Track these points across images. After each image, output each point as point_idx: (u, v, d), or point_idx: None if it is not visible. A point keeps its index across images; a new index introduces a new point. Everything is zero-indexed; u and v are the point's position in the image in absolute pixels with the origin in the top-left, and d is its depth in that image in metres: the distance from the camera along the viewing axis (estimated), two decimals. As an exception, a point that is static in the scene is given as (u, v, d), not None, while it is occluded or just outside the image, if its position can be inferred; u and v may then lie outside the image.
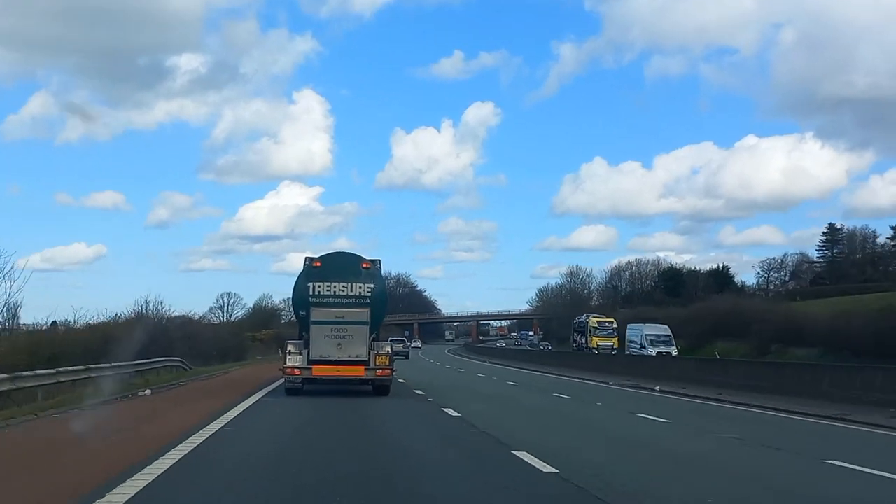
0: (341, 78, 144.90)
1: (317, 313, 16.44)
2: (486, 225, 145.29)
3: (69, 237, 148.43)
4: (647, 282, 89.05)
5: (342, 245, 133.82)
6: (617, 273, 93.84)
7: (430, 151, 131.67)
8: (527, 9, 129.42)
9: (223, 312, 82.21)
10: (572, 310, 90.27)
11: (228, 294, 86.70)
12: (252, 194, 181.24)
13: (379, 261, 17.94)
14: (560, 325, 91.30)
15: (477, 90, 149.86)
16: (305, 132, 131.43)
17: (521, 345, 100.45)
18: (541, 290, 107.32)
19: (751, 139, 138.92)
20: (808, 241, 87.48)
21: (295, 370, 16.49)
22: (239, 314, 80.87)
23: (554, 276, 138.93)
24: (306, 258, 16.43)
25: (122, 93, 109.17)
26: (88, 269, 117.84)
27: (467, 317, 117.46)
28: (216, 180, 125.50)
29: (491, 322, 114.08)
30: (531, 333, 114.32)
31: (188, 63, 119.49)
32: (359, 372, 16.40)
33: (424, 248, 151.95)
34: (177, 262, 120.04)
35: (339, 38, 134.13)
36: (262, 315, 76.89)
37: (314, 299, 16.43)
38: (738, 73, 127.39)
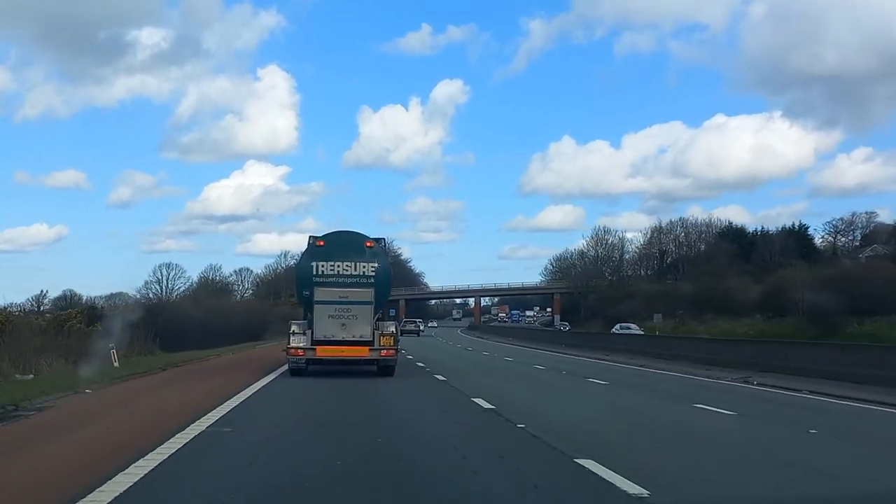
0: (307, 54, 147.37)
1: (320, 293, 16.92)
2: (453, 204, 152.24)
3: (29, 217, 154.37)
4: (700, 245, 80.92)
5: (308, 225, 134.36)
6: (657, 235, 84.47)
7: (398, 129, 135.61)
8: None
9: (161, 287, 76.35)
10: (603, 282, 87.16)
11: (168, 265, 79.89)
12: (217, 173, 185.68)
13: (384, 239, 18.54)
14: (586, 299, 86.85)
15: (445, 67, 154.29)
16: (271, 110, 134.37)
17: (518, 323, 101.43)
18: (557, 259, 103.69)
19: (719, 118, 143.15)
20: (773, 221, 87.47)
21: (299, 351, 16.96)
22: (181, 288, 75.91)
23: (522, 256, 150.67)
24: (310, 237, 17.46)
25: (81, 67, 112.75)
26: (50, 250, 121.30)
27: (467, 291, 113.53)
28: (180, 159, 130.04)
29: (480, 300, 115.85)
30: (530, 313, 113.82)
31: (149, 37, 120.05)
32: (363, 352, 16.90)
33: (392, 227, 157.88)
34: (140, 242, 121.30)
35: (304, 12, 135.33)
36: (210, 289, 70.75)
37: (318, 279, 16.97)
38: (708, 50, 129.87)
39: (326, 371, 16.80)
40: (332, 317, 16.61)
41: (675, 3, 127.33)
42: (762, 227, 76.90)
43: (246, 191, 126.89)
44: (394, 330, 16.93)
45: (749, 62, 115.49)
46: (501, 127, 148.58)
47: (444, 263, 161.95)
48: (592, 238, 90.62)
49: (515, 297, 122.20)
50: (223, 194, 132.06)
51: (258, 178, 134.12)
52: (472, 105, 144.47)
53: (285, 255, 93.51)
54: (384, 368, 16.89)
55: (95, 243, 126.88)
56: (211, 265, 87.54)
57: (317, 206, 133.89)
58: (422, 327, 70.40)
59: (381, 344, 16.66)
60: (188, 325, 30.65)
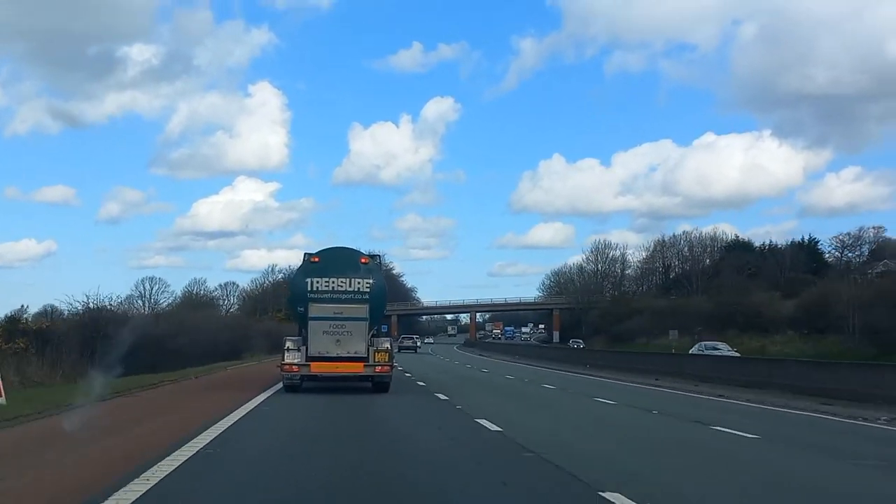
0: (298, 71, 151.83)
1: (315, 309, 17.19)
2: (443, 222, 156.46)
3: (18, 233, 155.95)
4: (705, 259, 79.79)
5: (298, 242, 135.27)
6: (660, 249, 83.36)
7: (388, 147, 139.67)
8: (487, 0, 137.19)
9: (144, 300, 74.37)
10: (604, 297, 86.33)
11: (152, 279, 78.21)
12: (206, 189, 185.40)
13: (379, 256, 19.38)
14: (587, 315, 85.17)
15: (436, 84, 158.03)
16: (262, 126, 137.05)
17: (512, 340, 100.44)
18: (555, 274, 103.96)
19: (709, 136, 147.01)
20: (762, 238, 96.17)
21: (293, 367, 17.19)
22: (165, 302, 73.76)
23: (512, 273, 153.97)
24: (305, 253, 17.81)
25: (72, 83, 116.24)
26: (39, 266, 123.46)
27: (462, 307, 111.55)
28: (169, 175, 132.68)
29: (475, 315, 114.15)
30: (525, 329, 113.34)
31: (140, 54, 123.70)
32: (358, 368, 17.14)
33: (382, 244, 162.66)
34: (129, 258, 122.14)
35: (296, 29, 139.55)
36: (194, 303, 69.57)
37: (312, 295, 17.23)
38: (698, 69, 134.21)
39: (322, 388, 17.31)
40: (327, 333, 16.83)
41: (665, 23, 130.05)
42: (771, 242, 75.52)
43: (235, 207, 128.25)
44: (388, 346, 17.21)
45: (739, 81, 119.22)
46: (492, 145, 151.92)
47: (434, 280, 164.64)
48: (592, 252, 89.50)
49: (509, 314, 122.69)
50: (212, 210, 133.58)
51: (248, 194, 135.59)
52: (462, 123, 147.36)
53: (272, 270, 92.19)
54: (379, 385, 17.08)
55: (84, 259, 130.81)
56: (195, 279, 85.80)
57: (306, 222, 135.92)
58: (419, 343, 71.17)
59: (376, 360, 16.84)
60: (143, 342, 26.77)
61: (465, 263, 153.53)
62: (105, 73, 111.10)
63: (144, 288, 76.74)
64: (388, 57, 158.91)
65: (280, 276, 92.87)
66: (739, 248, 74.91)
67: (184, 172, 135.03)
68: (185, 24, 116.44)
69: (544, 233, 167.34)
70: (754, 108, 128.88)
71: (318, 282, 16.97)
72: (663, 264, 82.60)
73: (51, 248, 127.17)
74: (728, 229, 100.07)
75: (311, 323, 16.73)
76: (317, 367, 16.76)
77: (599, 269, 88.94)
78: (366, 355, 16.70)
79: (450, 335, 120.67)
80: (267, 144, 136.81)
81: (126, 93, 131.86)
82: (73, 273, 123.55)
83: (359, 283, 16.99)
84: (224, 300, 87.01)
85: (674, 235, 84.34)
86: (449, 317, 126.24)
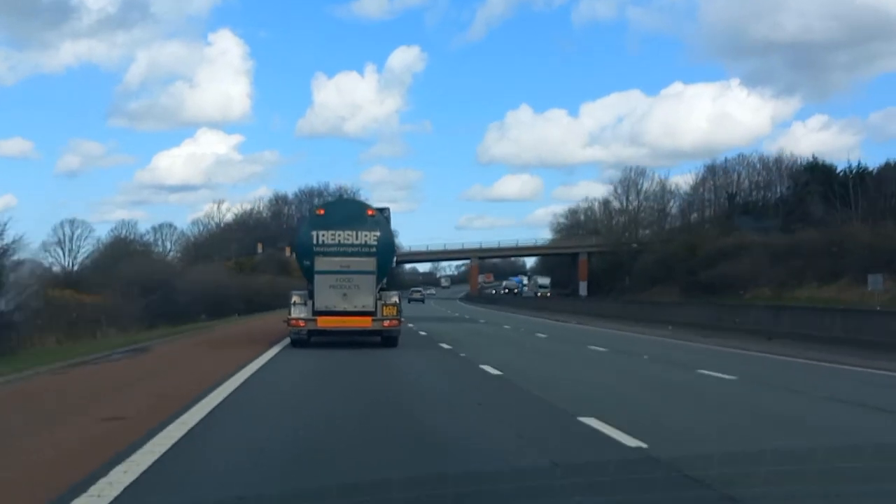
0: (260, 19, 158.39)
1: (321, 262, 17.72)
2: (410, 174, 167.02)
3: None
4: (781, 187, 70.23)
5: (262, 195, 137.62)
6: (710, 174, 74.19)
7: (354, 97, 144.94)
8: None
9: (63, 249, 69.40)
10: (651, 235, 76.60)
11: (72, 222, 71.83)
12: (167, 142, 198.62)
13: (387, 208, 19.29)
14: (612, 263, 76.52)
15: (401, 33, 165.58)
16: (223, 76, 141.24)
17: (521, 293, 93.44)
18: (571, 213, 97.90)
19: (677, 86, 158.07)
20: (842, 160, 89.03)
21: (300, 321, 17.81)
22: (86, 250, 69.77)
23: (479, 226, 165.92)
24: (310, 206, 15.49)
25: (26, 32, 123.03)
26: None
27: (460, 252, 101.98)
28: (129, 127, 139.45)
29: (471, 265, 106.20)
30: (524, 280, 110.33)
31: (95, 1, 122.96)
32: (366, 323, 17.88)
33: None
34: (90, 212, 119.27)
35: None
36: (118, 252, 64.35)
37: (318, 248, 17.80)
38: (667, 17, 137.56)
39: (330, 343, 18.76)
40: (334, 287, 17.65)
41: None
42: (860, 163, 64.33)
43: (197, 160, 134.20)
44: (397, 300, 18.48)
45: (708, 30, 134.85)
46: (459, 95, 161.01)
47: (402, 233, 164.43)
48: (621, 184, 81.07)
49: (498, 264, 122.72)
50: (174, 163, 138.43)
51: (210, 146, 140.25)
52: (429, 73, 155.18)
53: (220, 208, 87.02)
54: (387, 339, 18.45)
55: (43, 214, 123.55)
56: (124, 221, 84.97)
57: (271, 175, 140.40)
58: (425, 293, 78.46)
59: (384, 314, 17.84)
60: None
61: (432, 216, 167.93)
62: (60, 21, 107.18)
63: (63, 233, 70.56)
64: (352, 3, 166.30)
65: (230, 215, 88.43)
66: (822, 171, 64.87)
67: (143, 124, 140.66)
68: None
69: (512, 185, 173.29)
70: (723, 57, 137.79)
71: (323, 234, 17.80)
72: (728, 192, 72.29)
73: (10, 203, 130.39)
74: (800, 148, 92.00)
75: (317, 277, 17.78)
76: (324, 322, 17.87)
77: (634, 204, 79.37)
78: (374, 309, 17.84)
79: (443, 287, 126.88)
80: (229, 95, 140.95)
81: (82, 42, 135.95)
82: (33, 227, 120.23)
83: (366, 235, 17.80)
84: (157, 245, 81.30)
85: (726, 160, 74.89)
86: (421, 268, 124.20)
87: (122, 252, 61.37)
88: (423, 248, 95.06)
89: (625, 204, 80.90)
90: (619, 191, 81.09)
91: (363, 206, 18.47)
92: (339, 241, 17.67)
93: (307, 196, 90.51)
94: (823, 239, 48.02)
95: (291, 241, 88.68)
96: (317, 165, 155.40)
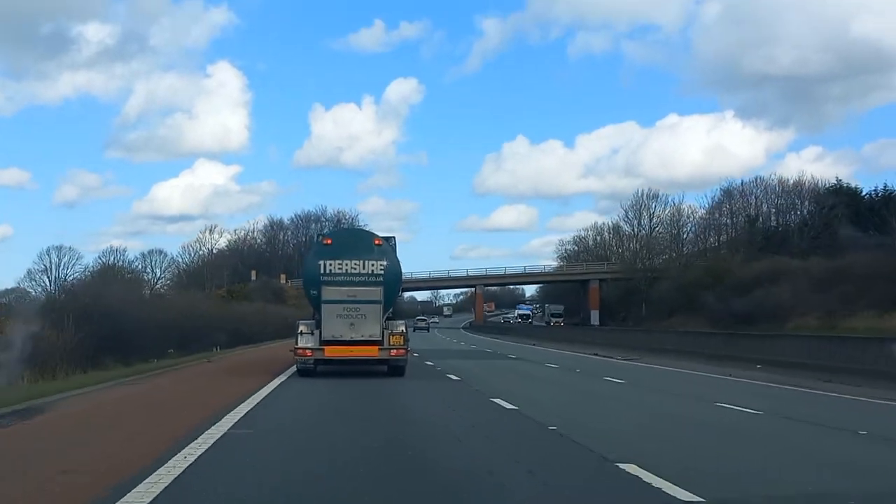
0: (258, 51, 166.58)
1: (328, 292, 18.36)
2: (407, 205, 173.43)
3: None
4: (803, 211, 70.53)
5: (260, 225, 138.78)
6: (726, 197, 74.01)
7: (351, 129, 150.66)
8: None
9: (49, 277, 68.72)
10: (674, 261, 75.99)
11: (59, 248, 71.92)
12: (165, 173, 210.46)
13: (393, 237, 19.93)
14: (626, 290, 76.17)
15: (399, 65, 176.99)
16: (221, 108, 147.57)
17: (530, 322, 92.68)
18: (577, 241, 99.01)
19: (672, 118, 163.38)
20: (865, 183, 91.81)
21: (307, 351, 18.44)
22: (74, 275, 69.10)
23: (474, 256, 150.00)
24: (317, 235, 16.58)
25: (25, 63, 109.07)
26: None
27: (464, 279, 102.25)
28: (127, 158, 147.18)
29: (481, 291, 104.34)
30: (524, 307, 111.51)
31: (94, 33, 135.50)
32: (372, 352, 18.50)
33: None
34: (86, 242, 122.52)
35: (255, 8, 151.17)
36: (111, 277, 65.54)
37: (325, 278, 18.46)
38: (662, 51, 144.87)
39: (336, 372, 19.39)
40: (341, 316, 18.32)
41: (629, 3, 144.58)
42: (886, 186, 65.04)
43: (195, 190, 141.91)
44: (403, 329, 19.26)
45: (702, 62, 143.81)
46: (456, 127, 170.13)
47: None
48: (632, 209, 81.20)
49: (496, 292, 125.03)
50: (171, 194, 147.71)
51: (208, 177, 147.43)
52: (426, 104, 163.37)
53: (211, 230, 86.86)
54: (394, 368, 19.18)
55: (40, 244, 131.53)
56: (111, 247, 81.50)
57: (268, 205, 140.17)
58: (429, 322, 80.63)
59: (391, 343, 18.55)
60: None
61: (429, 247, 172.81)
62: (59, 52, 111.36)
63: (50, 260, 70.39)
64: (349, 35, 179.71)
65: (223, 241, 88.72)
66: (848, 194, 65.43)
67: (141, 155, 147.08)
68: (140, 2, 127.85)
69: (507, 215, 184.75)
70: (718, 89, 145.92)
71: (330, 264, 18.51)
72: (748, 215, 71.93)
73: (6, 233, 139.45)
74: (820, 171, 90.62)
75: (324, 306, 18.50)
76: (331, 352, 18.55)
77: (646, 229, 79.48)
78: (381, 338, 18.54)
79: (445, 316, 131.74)
80: (227, 126, 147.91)
81: (81, 73, 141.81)
82: (29, 258, 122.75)
83: (373, 265, 18.53)
84: (146, 273, 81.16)
85: (742, 183, 75.26)
86: (420, 297, 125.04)
87: (111, 280, 58.79)
88: (426, 276, 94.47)
89: (636, 229, 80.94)
90: (631, 215, 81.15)
91: (370, 236, 19.30)
92: (347, 270, 18.38)
93: (304, 221, 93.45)
94: (878, 263, 45.11)
95: (299, 269, 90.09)
96: (314, 196, 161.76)
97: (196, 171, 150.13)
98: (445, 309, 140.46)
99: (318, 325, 18.42)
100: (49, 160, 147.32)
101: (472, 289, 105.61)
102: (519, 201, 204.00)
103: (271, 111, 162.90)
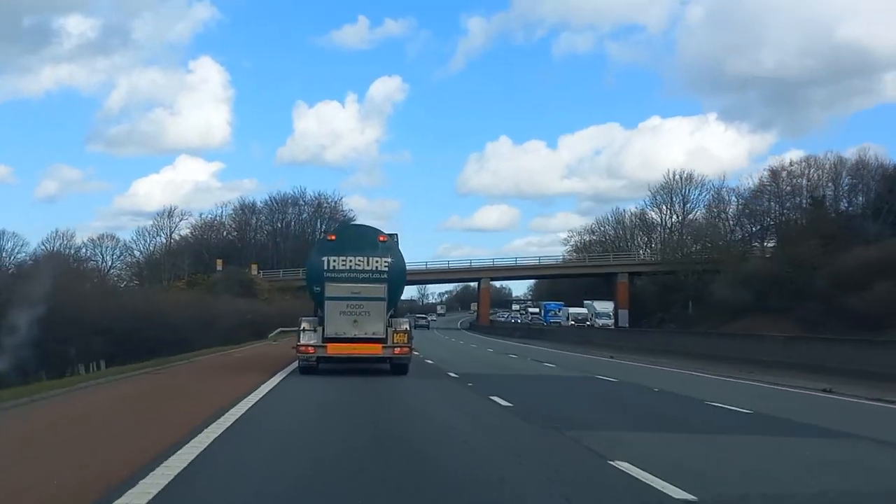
0: (242, 47, 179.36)
1: (331, 289, 19.96)
2: (389, 204, 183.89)
3: None
4: (868, 192, 70.69)
5: (229, 201, 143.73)
6: (772, 179, 73.82)
7: (334, 126, 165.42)
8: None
9: None
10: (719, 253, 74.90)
11: (2, 234, 73.82)
12: (147, 168, 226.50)
13: (396, 235, 21.59)
14: (664, 287, 75.05)
15: (383, 63, 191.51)
16: (204, 103, 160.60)
17: (547, 324, 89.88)
18: (597, 225, 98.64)
19: (655, 120, 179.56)
20: None
21: (309, 348, 20.01)
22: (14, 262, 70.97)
23: (456, 256, 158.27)
24: (321, 232, 18.82)
25: (6, 57, 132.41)
26: None
27: (466, 270, 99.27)
28: (108, 153, 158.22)
29: (480, 287, 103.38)
30: (581, 311, 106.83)
31: (76, 26, 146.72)
32: (376, 350, 20.04)
33: None
34: (68, 238, 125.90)
35: (239, 3, 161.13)
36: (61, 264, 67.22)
37: (329, 274, 20.09)
38: (646, 52, 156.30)
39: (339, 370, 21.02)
40: (344, 313, 20.07)
41: (614, 4, 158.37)
42: None
43: (177, 186, 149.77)
44: (408, 327, 21.27)
45: (686, 64, 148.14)
46: (439, 126, 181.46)
47: None
48: (662, 191, 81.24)
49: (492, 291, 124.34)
50: (152, 190, 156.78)
51: (189, 173, 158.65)
52: (409, 103, 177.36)
53: (170, 213, 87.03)
54: (397, 367, 21.14)
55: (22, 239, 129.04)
56: (57, 231, 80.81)
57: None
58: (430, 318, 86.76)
59: (395, 342, 20.28)
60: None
61: (411, 246, 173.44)
62: (41, 46, 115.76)
63: None
64: (332, 32, 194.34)
65: (185, 228, 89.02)
66: None
67: (123, 150, 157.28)
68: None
69: (489, 215, 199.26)
70: (701, 91, 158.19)
71: (334, 260, 20.44)
72: (812, 197, 71.07)
73: None
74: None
75: (327, 303, 20.42)
76: (333, 349, 20.41)
77: (678, 215, 79.11)
78: (384, 336, 20.44)
79: (439, 314, 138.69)
80: (209, 123, 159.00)
81: (63, 67, 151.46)
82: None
83: (377, 261, 20.44)
84: (97, 260, 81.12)
85: (791, 163, 75.24)
86: (404, 295, 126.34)
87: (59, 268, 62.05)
88: (422, 267, 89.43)
89: (666, 216, 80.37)
90: (660, 200, 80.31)
91: (375, 232, 21.16)
92: (350, 266, 20.51)
93: (279, 205, 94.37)
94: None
95: (274, 259, 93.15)
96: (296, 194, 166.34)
97: (177, 167, 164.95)
98: (439, 307, 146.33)
99: (321, 322, 20.33)
100: (31, 154, 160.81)
101: (469, 284, 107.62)
102: (501, 201, 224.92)
103: (254, 108, 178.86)
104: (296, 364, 21.19)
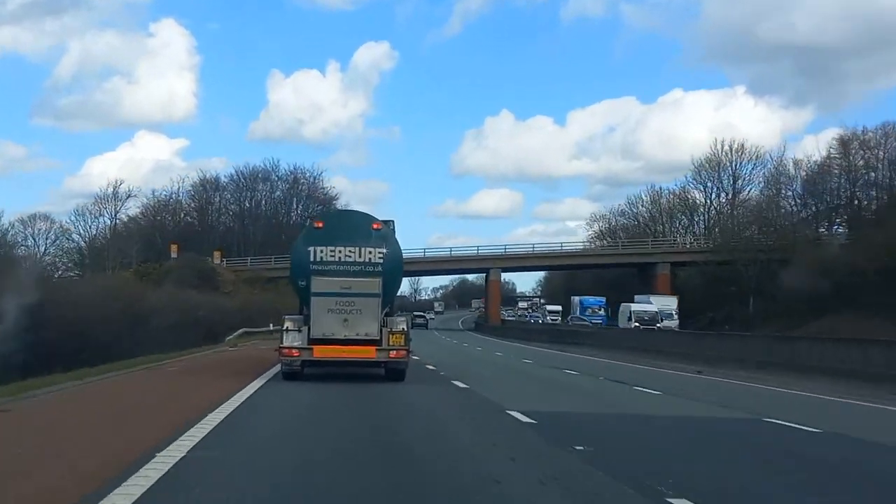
0: (209, 8, 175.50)
1: (319, 283, 20.26)
2: (375, 186, 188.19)
3: None
4: None
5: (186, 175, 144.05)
6: (841, 149, 73.73)
7: (313, 98, 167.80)
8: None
9: None
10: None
11: None
12: (102, 145, 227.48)
13: (392, 222, 21.94)
14: (714, 279, 74.03)
15: (369, 27, 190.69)
16: (166, 72, 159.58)
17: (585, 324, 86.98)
18: (627, 205, 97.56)
19: (676, 93, 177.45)
20: None
21: (293, 351, 20.28)
22: None
23: (451, 245, 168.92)
24: (308, 218, 19.65)
25: None
26: None
27: (476, 258, 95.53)
28: (57, 127, 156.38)
29: (489, 279, 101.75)
30: (547, 304, 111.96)
31: None
32: (369, 353, 20.41)
33: None
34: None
35: None
36: None
37: (316, 266, 20.40)
38: (664, 16, 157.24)
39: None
40: (333, 311, 20.33)
41: None
42: None
43: (136, 166, 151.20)
44: (405, 327, 21.49)
45: (711, 31, 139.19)
46: (432, 99, 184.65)
47: None
48: (708, 164, 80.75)
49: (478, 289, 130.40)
50: (108, 169, 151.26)
51: (150, 151, 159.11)
52: (399, 73, 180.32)
53: (115, 192, 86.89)
54: (393, 372, 21.41)
55: None
56: None
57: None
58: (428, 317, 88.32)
59: (391, 343, 20.59)
60: None
61: (399, 234, 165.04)
62: None
63: None
64: None
65: (135, 207, 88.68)
66: None
67: (74, 124, 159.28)
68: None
69: (488, 200, 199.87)
70: (727, 61, 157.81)
71: (322, 251, 20.74)
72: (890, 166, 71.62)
73: None
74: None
75: (314, 299, 20.64)
76: (321, 352, 20.73)
77: (727, 194, 79.61)
78: (378, 337, 20.69)
79: (437, 312, 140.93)
80: (172, 93, 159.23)
81: (5, 29, 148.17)
82: None
83: (370, 252, 20.74)
84: (30, 242, 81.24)
85: (864, 130, 73.81)
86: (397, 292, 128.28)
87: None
88: (419, 255, 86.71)
89: (714, 195, 79.61)
90: (705, 176, 79.36)
91: (368, 219, 21.51)
92: (340, 258, 20.79)
93: (248, 181, 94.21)
94: None
95: (240, 246, 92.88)
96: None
97: (136, 144, 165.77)
98: (437, 305, 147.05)
99: (307, 322, 20.47)
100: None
101: (468, 278, 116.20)
102: (501, 185, 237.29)
103: (223, 77, 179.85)
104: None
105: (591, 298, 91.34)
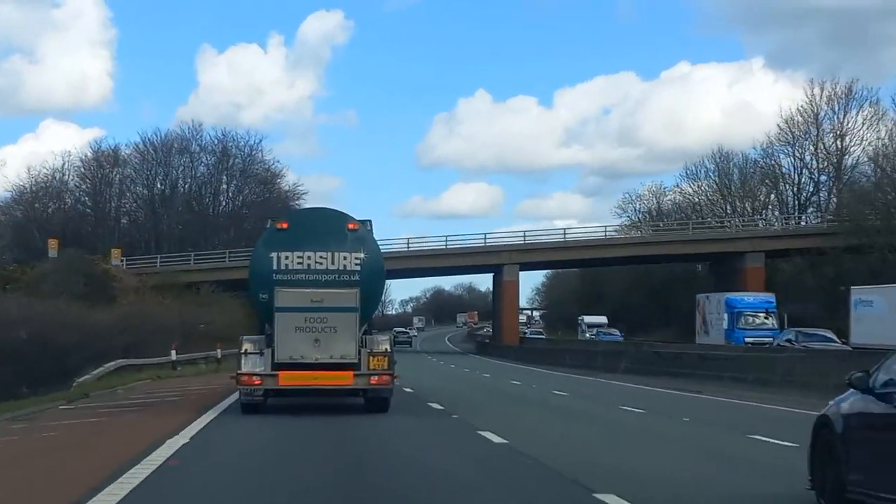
0: None
1: (284, 296, 22.91)
2: (327, 181, 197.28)
3: None
4: None
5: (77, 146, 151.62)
6: None
7: (252, 78, 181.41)
8: None
9: None
10: None
11: None
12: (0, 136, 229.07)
13: (370, 221, 24.36)
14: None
15: None
16: (76, 49, 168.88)
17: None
18: (638, 197, 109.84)
19: (683, 67, 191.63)
20: None
21: (254, 378, 23.10)
22: None
23: (457, 233, 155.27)
24: (269, 219, 22.29)
25: None
26: None
27: (490, 250, 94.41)
28: None
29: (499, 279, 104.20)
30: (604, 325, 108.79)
31: None
32: (345, 380, 23.17)
33: None
34: None
35: None
36: None
37: (279, 276, 23.18)
38: None
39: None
40: (302, 329, 23.18)
41: None
42: None
43: (40, 160, 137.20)
44: (388, 347, 24.49)
45: None
46: (394, 78, 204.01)
47: None
48: (801, 115, 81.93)
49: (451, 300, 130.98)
50: (7, 165, 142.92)
51: (57, 143, 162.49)
52: (354, 47, 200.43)
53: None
54: (374, 401, 24.56)
55: None
56: None
57: None
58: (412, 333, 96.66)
59: (371, 367, 23.44)
60: None
61: None
62: None
63: None
64: None
65: (5, 191, 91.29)
66: None
67: None
68: None
69: (463, 196, 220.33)
70: (742, 27, 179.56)
71: (287, 257, 23.49)
72: None
73: None
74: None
75: (278, 316, 23.50)
76: (287, 379, 23.57)
77: (829, 159, 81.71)
78: (356, 360, 23.51)
79: (417, 328, 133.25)
80: (83, 74, 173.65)
81: None
82: None
83: (345, 258, 23.48)
84: None
85: None
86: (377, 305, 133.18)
87: None
88: (403, 249, 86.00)
89: (811, 158, 78.78)
90: (797, 134, 78.56)
91: (342, 218, 24.24)
92: (309, 266, 23.67)
93: (160, 153, 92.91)
94: None
95: (160, 243, 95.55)
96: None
97: (41, 136, 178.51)
98: (416, 320, 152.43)
99: (270, 342, 23.15)
100: None
101: (445, 289, 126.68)
102: (478, 178, 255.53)
103: (144, 54, 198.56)
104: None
105: (742, 298, 76.06)
